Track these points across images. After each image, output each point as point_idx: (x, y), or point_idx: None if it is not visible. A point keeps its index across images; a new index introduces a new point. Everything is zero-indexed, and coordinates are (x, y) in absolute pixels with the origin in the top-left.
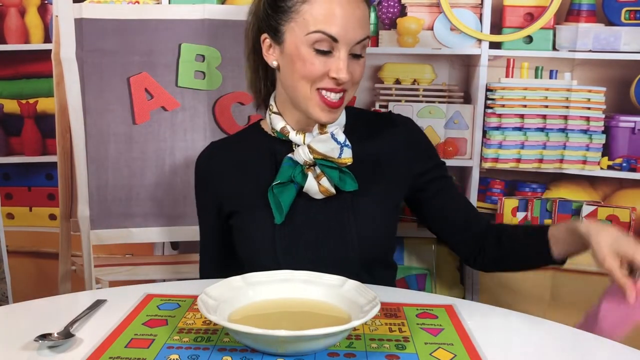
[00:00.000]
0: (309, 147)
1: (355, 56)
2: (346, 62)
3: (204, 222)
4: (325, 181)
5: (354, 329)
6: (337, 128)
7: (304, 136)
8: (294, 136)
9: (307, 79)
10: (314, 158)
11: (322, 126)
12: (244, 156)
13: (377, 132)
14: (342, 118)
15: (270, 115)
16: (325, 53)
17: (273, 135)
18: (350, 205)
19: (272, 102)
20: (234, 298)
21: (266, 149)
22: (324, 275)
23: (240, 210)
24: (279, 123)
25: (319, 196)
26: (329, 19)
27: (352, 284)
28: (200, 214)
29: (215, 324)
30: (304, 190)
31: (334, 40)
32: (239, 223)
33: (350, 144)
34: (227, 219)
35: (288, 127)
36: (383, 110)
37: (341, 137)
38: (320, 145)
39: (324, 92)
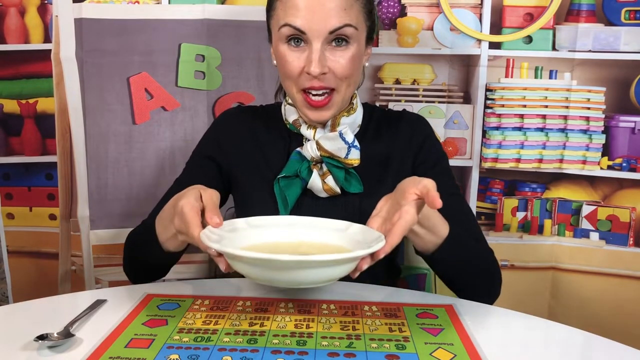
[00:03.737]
0: (317, 143)
1: (338, 46)
2: (318, 54)
3: (198, 170)
4: (330, 180)
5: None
6: (346, 127)
7: (315, 131)
8: (305, 130)
9: (289, 79)
10: (321, 155)
11: (334, 124)
12: (263, 134)
13: (388, 131)
14: (357, 117)
15: (285, 106)
16: (298, 47)
17: (288, 126)
18: (356, 206)
19: None
20: (237, 238)
21: (285, 135)
22: (328, 220)
23: (246, 189)
24: (292, 115)
25: (324, 195)
26: (294, 11)
27: (356, 227)
28: (195, 162)
29: (214, 324)
30: (308, 187)
31: (302, 32)
32: (244, 202)
33: (359, 145)
34: (226, 188)
35: (300, 120)
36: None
37: (349, 137)
38: (328, 142)
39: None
